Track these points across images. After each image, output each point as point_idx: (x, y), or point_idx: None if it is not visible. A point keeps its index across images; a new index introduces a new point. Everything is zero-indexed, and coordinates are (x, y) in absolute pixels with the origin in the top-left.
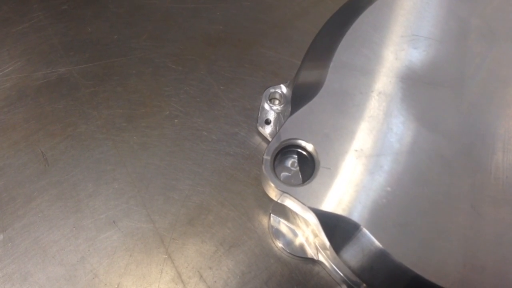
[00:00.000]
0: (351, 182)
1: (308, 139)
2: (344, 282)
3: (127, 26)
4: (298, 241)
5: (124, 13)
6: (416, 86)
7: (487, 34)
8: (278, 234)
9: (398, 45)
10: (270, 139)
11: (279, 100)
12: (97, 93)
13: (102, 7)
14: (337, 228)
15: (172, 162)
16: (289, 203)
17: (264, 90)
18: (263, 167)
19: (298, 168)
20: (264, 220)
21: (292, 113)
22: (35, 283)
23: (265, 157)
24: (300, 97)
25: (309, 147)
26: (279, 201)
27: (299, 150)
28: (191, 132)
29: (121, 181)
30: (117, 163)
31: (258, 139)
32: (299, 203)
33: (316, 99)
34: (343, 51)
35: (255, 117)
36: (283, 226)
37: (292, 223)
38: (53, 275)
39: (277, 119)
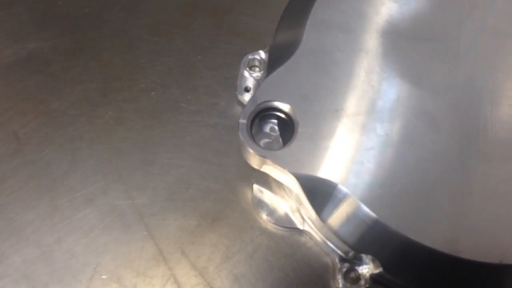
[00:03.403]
0: (332, 143)
1: (286, 100)
2: (332, 251)
3: None
4: (283, 211)
5: None
6: (398, 41)
7: None
8: (262, 205)
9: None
10: None
11: (259, 67)
12: (69, 68)
13: None
14: (320, 192)
15: (150, 135)
16: (269, 169)
17: (243, 59)
18: (239, 131)
19: (278, 133)
20: (248, 192)
21: (268, 73)
22: (10, 266)
23: (241, 121)
24: (277, 58)
25: (287, 108)
26: (260, 168)
27: (278, 113)
28: (169, 105)
29: (97, 158)
30: (92, 139)
31: (239, 108)
32: (279, 167)
33: (293, 59)
34: (320, 8)
35: (235, 86)
36: (267, 196)
37: (276, 193)
38: (29, 256)
39: (257, 86)
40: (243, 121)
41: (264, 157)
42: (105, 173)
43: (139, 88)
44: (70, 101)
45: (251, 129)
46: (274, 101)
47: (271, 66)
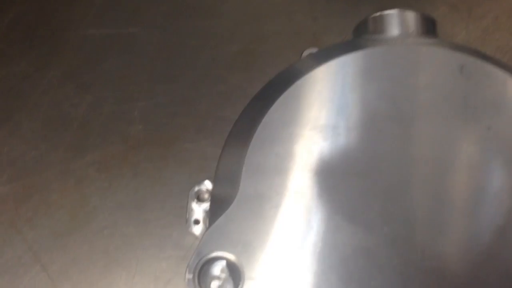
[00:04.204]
0: None
1: (229, 250)
2: None
3: (44, 140)
4: None
5: (40, 127)
6: (332, 178)
7: (395, 117)
8: None
9: (308, 139)
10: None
11: (207, 197)
12: (19, 216)
13: (16, 124)
14: None
15: (105, 276)
16: None
17: (191, 187)
18: (186, 287)
19: (228, 273)
20: None
21: (210, 223)
22: None
23: (187, 276)
24: (217, 205)
25: (232, 258)
26: None
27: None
28: (122, 241)
29: None
30: (49, 286)
31: (191, 238)
32: None
33: (232, 207)
34: (254, 152)
35: (186, 216)
36: None
37: None
38: None
39: (206, 217)
40: (189, 276)
41: None
42: None
43: (91, 228)
44: (23, 249)
45: (199, 277)
46: (218, 251)
47: (212, 214)
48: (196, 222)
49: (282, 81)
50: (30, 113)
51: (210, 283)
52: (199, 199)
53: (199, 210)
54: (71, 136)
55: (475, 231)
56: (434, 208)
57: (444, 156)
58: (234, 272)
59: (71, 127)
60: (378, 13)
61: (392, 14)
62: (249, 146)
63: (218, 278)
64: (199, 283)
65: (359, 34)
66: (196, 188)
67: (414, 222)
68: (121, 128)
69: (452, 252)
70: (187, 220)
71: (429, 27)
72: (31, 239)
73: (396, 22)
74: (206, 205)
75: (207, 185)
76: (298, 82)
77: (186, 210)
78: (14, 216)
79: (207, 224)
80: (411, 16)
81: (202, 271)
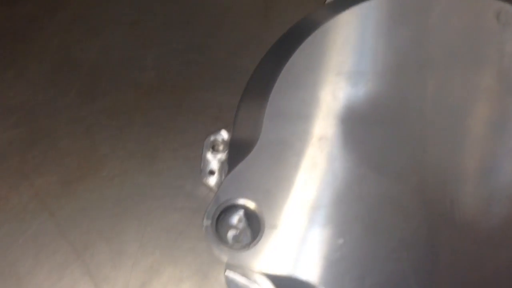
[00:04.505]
0: (299, 238)
1: (249, 197)
2: None
3: (52, 85)
4: None
5: (47, 71)
6: (358, 126)
7: (426, 63)
8: None
9: (335, 84)
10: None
11: (222, 147)
12: (26, 161)
13: (22, 67)
14: None
15: (116, 224)
16: (239, 265)
17: (206, 137)
18: (204, 233)
19: (246, 223)
20: (221, 276)
21: (229, 170)
22: None
23: (205, 222)
24: (237, 151)
25: (252, 205)
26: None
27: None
28: (133, 191)
29: (62, 252)
30: (57, 233)
31: (205, 190)
32: (249, 268)
33: (253, 153)
34: (277, 97)
35: (199, 167)
36: (240, 281)
37: (249, 277)
38: None
39: (222, 168)
40: (207, 222)
41: (231, 258)
42: (72, 268)
43: (101, 176)
44: (30, 195)
45: (216, 225)
46: (238, 198)
47: (232, 159)
48: (211, 172)
49: (307, 26)
50: (37, 57)
51: (227, 232)
52: (215, 149)
53: (214, 160)
54: (81, 81)
55: (505, 183)
56: (465, 157)
57: (477, 105)
58: (253, 221)
59: (81, 72)
60: None
61: None
62: (272, 90)
63: (235, 227)
64: (216, 230)
65: None
66: (212, 138)
67: (444, 171)
68: (133, 74)
69: (482, 204)
70: (201, 170)
71: None
72: (38, 185)
73: None
74: (221, 156)
75: (223, 135)
76: (324, 26)
77: (200, 161)
78: (21, 161)
79: (223, 174)
80: None
81: (220, 218)
